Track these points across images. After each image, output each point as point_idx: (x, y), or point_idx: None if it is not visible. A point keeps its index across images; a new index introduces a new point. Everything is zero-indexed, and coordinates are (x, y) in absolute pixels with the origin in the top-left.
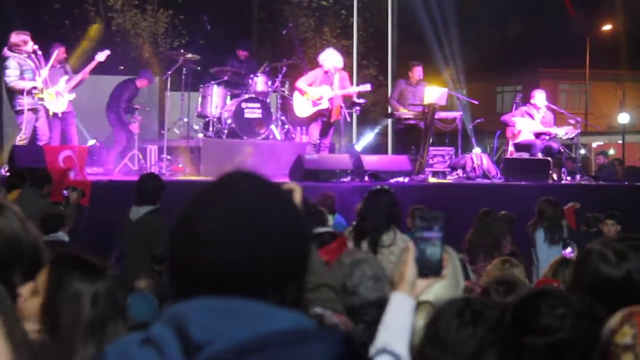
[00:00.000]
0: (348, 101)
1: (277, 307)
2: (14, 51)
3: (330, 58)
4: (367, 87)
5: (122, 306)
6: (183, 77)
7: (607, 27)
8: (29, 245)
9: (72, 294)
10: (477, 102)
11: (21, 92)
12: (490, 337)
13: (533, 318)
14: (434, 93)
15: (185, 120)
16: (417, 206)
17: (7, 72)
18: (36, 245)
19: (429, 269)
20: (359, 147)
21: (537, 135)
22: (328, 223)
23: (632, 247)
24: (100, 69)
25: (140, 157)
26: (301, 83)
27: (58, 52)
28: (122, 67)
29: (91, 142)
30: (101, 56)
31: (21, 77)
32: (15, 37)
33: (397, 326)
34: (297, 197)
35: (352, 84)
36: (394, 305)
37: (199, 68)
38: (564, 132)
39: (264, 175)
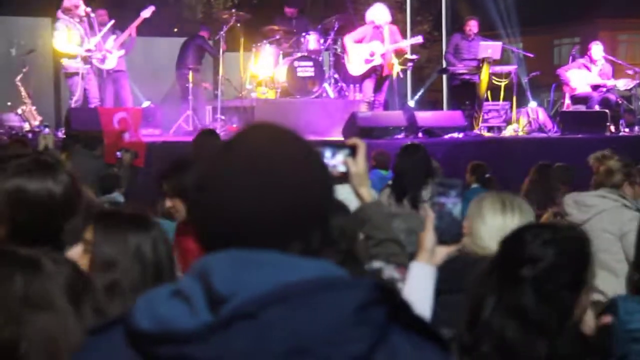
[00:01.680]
0: (400, 57)
1: (301, 256)
2: (66, 15)
3: (379, 13)
4: (419, 39)
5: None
6: (235, 37)
7: None
8: (80, 207)
9: (132, 243)
10: (532, 55)
11: (70, 56)
12: (485, 283)
13: (520, 249)
14: (488, 47)
15: (239, 80)
16: (477, 162)
17: (56, 34)
18: (89, 206)
19: (448, 235)
20: (412, 103)
21: (595, 87)
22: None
23: None
24: (154, 31)
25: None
26: (349, 41)
27: (103, 18)
28: (175, 29)
29: (146, 103)
30: (146, 12)
31: (70, 41)
32: (67, 1)
33: (418, 296)
34: (361, 152)
35: (403, 38)
36: (413, 274)
37: (250, 28)
38: (622, 84)
39: (281, 125)
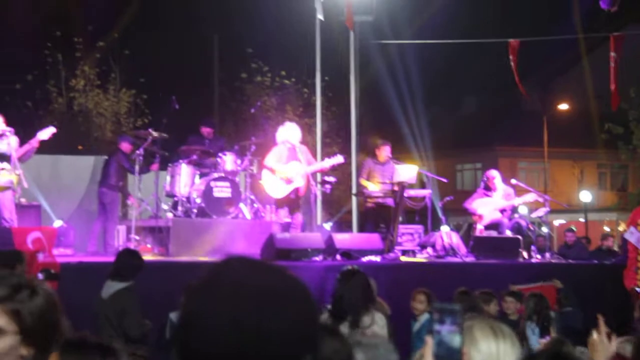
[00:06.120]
0: (316, 178)
1: None
2: None
3: (293, 132)
4: (339, 159)
5: None
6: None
7: (563, 107)
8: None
9: None
10: (446, 181)
11: None
12: None
13: None
14: (404, 171)
15: (154, 199)
16: (421, 289)
17: None
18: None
19: None
20: (328, 225)
21: (502, 211)
22: None
23: None
24: (61, 149)
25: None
26: (271, 161)
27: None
28: (80, 147)
29: (57, 222)
30: (44, 134)
31: None
32: None
33: None
34: None
35: (315, 157)
36: None
37: (165, 151)
38: (523, 200)
39: (254, 258)
